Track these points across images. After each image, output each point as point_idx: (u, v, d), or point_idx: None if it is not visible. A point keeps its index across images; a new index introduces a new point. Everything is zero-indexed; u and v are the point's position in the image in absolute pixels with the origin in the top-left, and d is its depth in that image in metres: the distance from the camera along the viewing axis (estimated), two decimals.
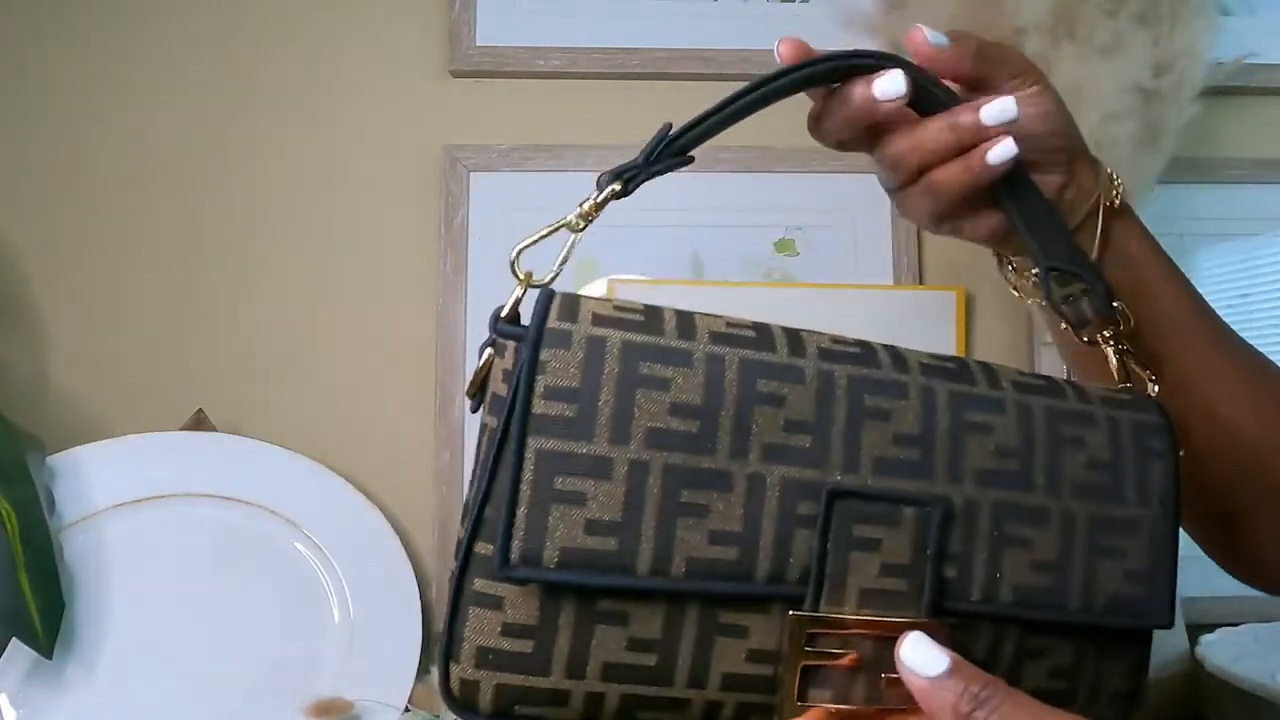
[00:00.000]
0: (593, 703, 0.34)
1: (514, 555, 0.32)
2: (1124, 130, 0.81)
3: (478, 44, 0.96)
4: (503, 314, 0.37)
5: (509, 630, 0.33)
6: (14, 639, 0.71)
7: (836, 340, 0.37)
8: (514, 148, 0.95)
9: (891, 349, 0.38)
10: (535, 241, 0.39)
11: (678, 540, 0.33)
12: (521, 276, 0.38)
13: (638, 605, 0.33)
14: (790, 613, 0.34)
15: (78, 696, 0.77)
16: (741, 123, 1.06)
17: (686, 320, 0.36)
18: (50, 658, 0.72)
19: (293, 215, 0.96)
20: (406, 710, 0.80)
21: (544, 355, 0.34)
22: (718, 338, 0.35)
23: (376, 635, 0.83)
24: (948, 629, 0.35)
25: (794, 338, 0.37)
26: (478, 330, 0.94)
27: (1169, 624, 0.36)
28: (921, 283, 0.95)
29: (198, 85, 0.96)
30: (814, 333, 0.38)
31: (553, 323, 0.34)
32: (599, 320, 0.35)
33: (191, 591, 0.81)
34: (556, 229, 0.39)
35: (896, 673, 0.34)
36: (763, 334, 0.36)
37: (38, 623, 0.71)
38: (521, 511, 0.32)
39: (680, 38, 0.97)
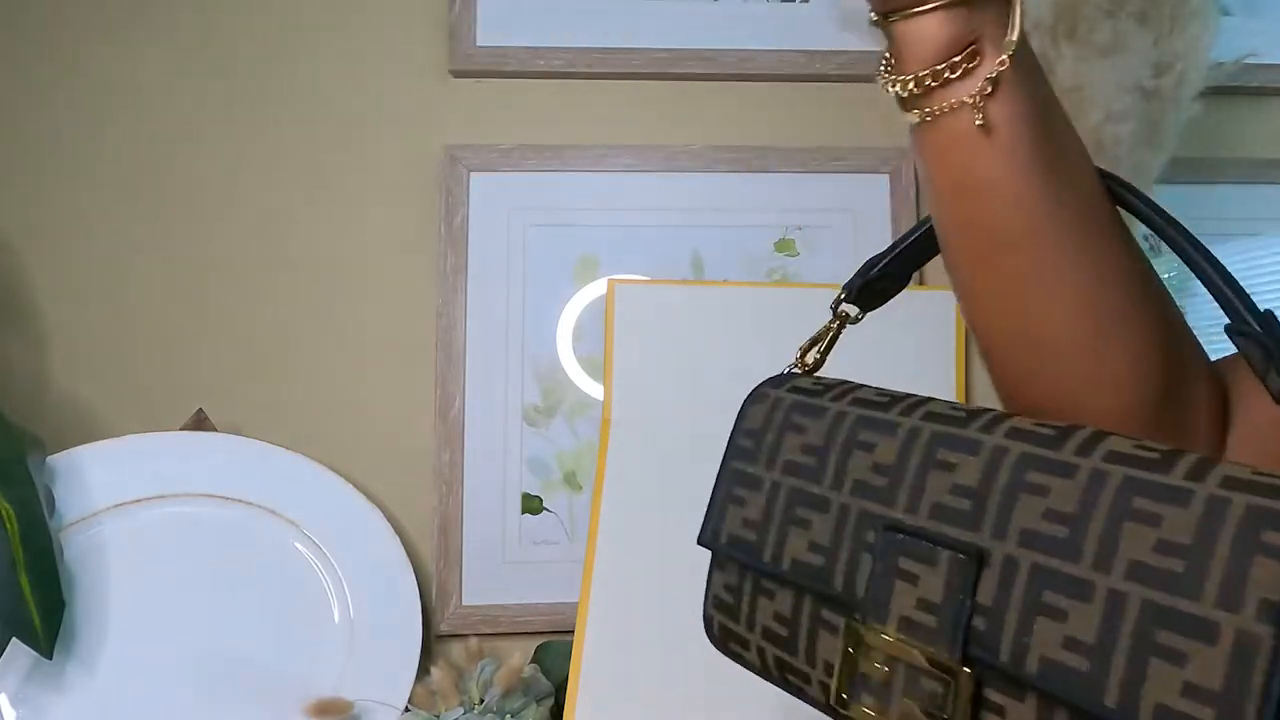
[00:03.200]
0: (761, 656, 0.46)
1: (707, 533, 0.49)
2: (1124, 130, 0.81)
3: (478, 44, 0.96)
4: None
5: (726, 587, 0.48)
6: (14, 639, 0.71)
7: (954, 407, 0.42)
8: (514, 148, 0.95)
9: (996, 415, 0.40)
10: (811, 344, 0.53)
11: (788, 543, 0.44)
12: (799, 362, 0.53)
13: (780, 587, 0.45)
14: (844, 621, 0.41)
15: (78, 696, 0.77)
16: (742, 122, 1.06)
17: (847, 389, 0.46)
18: (50, 658, 0.72)
19: (293, 215, 0.96)
20: (406, 710, 0.80)
21: (748, 409, 0.50)
22: (855, 401, 0.45)
23: (376, 635, 0.83)
24: (972, 680, 0.35)
25: (917, 404, 0.43)
26: (477, 330, 0.94)
27: None
28: (922, 283, 0.95)
29: (198, 86, 0.96)
30: (939, 400, 0.43)
31: (761, 389, 0.50)
32: (793, 389, 0.48)
33: (191, 591, 0.81)
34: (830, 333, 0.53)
35: (916, 700, 0.37)
36: (890, 399, 0.44)
37: (38, 623, 0.71)
38: (716, 506, 0.49)
39: (680, 38, 0.97)
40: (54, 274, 0.94)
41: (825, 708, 0.43)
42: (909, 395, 0.44)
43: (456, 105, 0.97)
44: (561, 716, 0.76)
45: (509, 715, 0.79)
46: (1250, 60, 0.92)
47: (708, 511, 0.50)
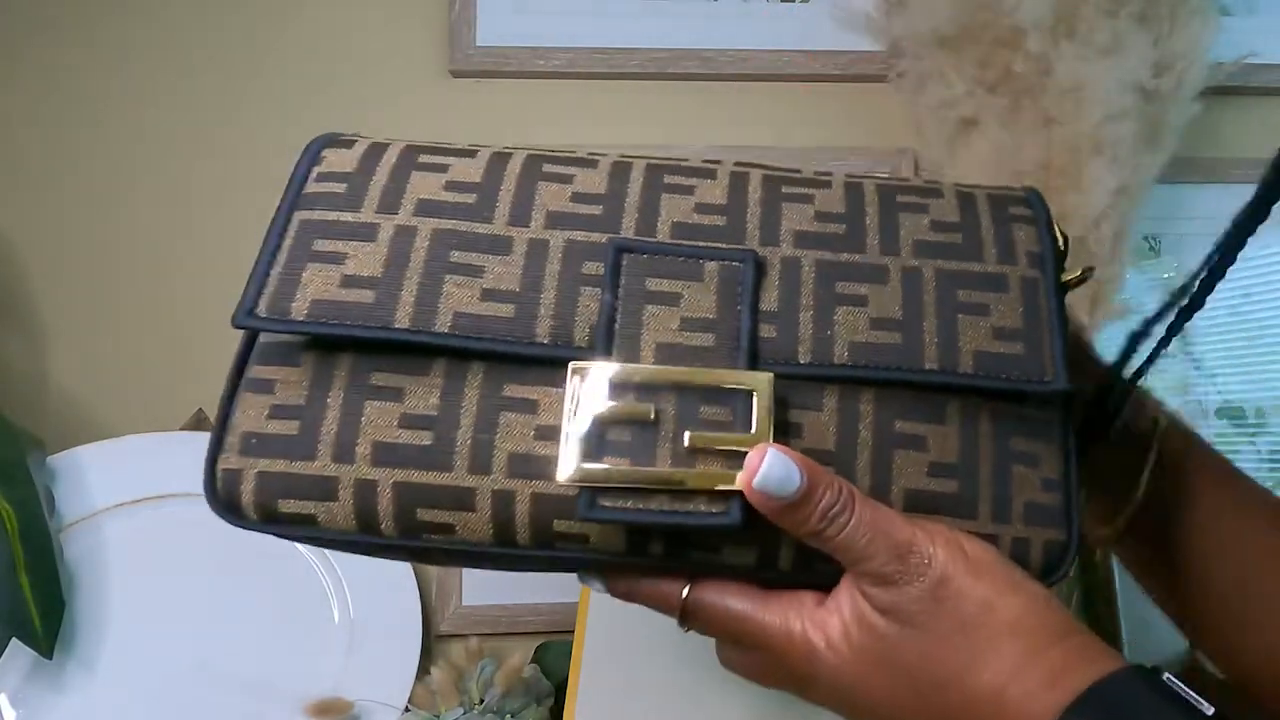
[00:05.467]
0: (364, 494, 0.31)
1: (262, 306, 0.34)
2: (1124, 130, 0.81)
3: (478, 44, 0.96)
4: None
5: (277, 413, 0.33)
6: (14, 639, 0.71)
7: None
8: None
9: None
10: None
11: (444, 295, 0.31)
12: None
13: (413, 379, 0.31)
14: (571, 364, 0.30)
15: (78, 696, 0.77)
16: (742, 122, 1.05)
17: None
18: (50, 658, 0.72)
19: None
20: (406, 710, 0.80)
21: (324, 153, 0.37)
22: (518, 147, 0.36)
23: (376, 635, 0.83)
24: (772, 388, 0.30)
25: (616, 159, 0.37)
26: None
27: (1056, 384, 0.32)
28: None
29: (197, 85, 0.96)
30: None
31: (341, 135, 0.37)
32: (395, 143, 0.36)
33: (191, 591, 0.81)
34: None
35: (698, 429, 0.30)
36: (579, 155, 0.36)
37: (38, 623, 0.71)
38: (276, 270, 0.34)
39: (680, 38, 0.97)
40: (54, 274, 0.94)
41: (497, 538, 0.31)
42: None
43: (456, 105, 0.97)
44: (561, 716, 0.76)
45: (509, 715, 0.79)
46: (1250, 60, 0.92)
47: (260, 282, 0.35)
